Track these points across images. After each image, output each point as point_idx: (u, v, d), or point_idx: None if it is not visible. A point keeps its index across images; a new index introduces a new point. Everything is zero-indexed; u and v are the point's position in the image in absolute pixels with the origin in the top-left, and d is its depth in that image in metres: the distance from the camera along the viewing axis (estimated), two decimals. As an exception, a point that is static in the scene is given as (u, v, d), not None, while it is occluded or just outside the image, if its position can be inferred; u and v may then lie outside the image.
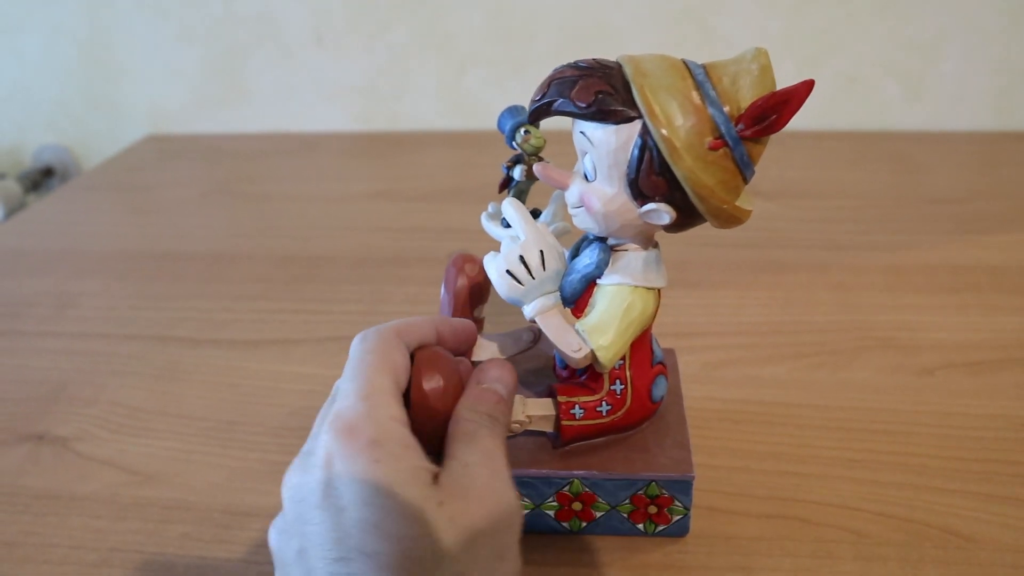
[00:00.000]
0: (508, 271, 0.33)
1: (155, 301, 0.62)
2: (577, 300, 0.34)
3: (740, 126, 0.30)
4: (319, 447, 0.29)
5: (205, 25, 0.96)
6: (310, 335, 0.56)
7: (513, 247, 0.33)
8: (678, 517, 0.36)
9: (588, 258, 0.34)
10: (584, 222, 0.34)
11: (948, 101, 0.87)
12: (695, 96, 0.30)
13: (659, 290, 0.34)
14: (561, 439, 0.36)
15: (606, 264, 0.34)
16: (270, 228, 0.74)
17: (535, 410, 0.36)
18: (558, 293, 0.34)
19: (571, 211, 0.34)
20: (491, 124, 0.30)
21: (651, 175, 0.31)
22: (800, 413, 0.45)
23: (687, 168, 0.30)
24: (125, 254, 0.70)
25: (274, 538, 0.29)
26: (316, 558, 0.27)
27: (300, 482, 0.28)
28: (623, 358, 0.35)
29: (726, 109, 0.30)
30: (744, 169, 0.31)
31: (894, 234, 0.66)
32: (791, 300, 0.56)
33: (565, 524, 0.37)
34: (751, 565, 0.36)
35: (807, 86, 0.29)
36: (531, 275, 0.33)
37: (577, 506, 0.36)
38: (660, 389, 0.37)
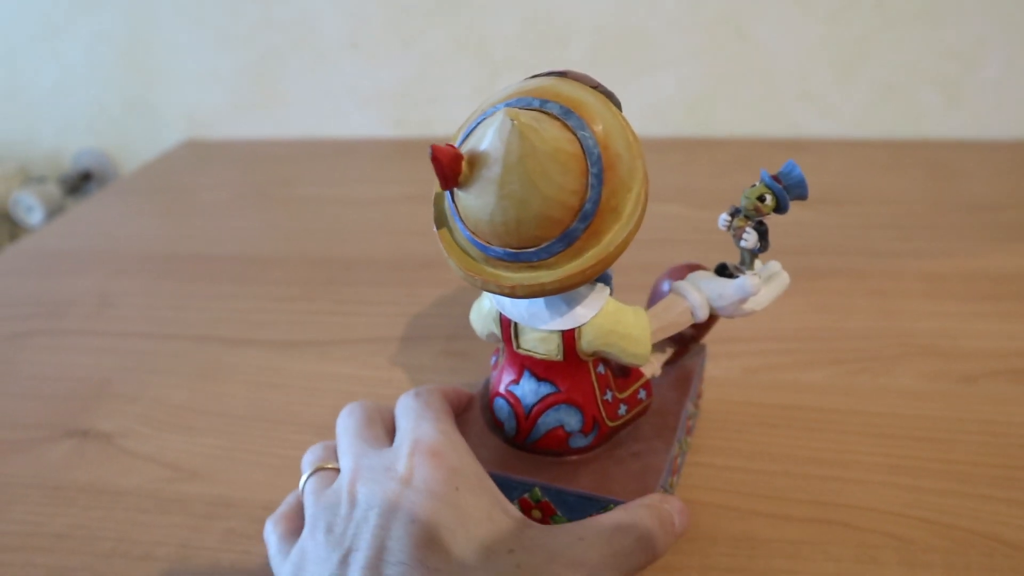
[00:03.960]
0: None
1: (194, 301, 0.63)
2: None
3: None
4: (400, 464, 0.30)
5: (242, 30, 0.98)
6: (347, 336, 0.56)
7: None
8: None
9: None
10: None
11: (988, 109, 0.86)
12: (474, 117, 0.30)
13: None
14: None
15: None
16: (306, 231, 0.75)
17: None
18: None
19: None
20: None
21: None
22: (840, 419, 0.45)
23: None
24: (164, 256, 0.71)
25: (273, 533, 0.32)
26: (362, 558, 0.27)
27: (369, 491, 0.29)
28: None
29: (463, 145, 0.29)
30: (453, 215, 0.30)
31: (933, 241, 0.65)
32: (828, 306, 0.56)
33: None
34: (794, 568, 0.35)
35: (439, 152, 0.27)
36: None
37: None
38: (498, 412, 0.36)
